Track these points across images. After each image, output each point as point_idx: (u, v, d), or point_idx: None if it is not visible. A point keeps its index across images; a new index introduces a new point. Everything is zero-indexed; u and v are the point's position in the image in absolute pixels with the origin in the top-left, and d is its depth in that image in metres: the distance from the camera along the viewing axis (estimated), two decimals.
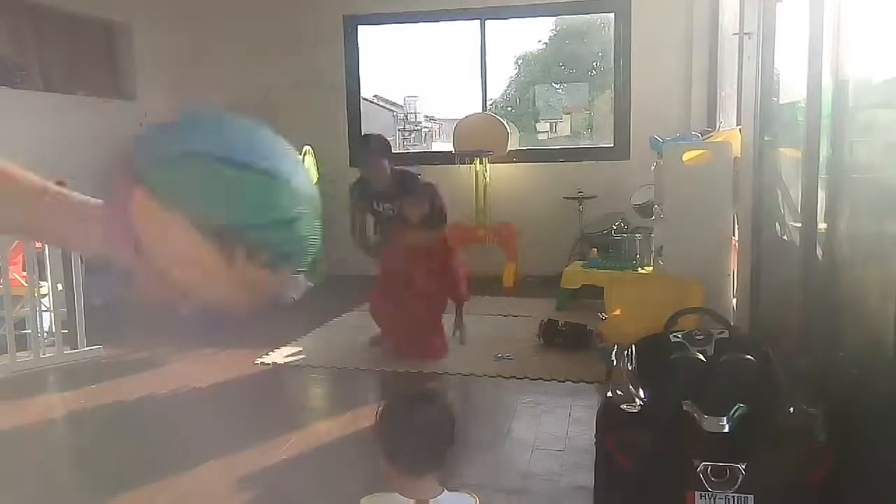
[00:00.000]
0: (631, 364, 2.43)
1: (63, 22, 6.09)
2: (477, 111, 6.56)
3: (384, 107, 9.38)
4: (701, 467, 1.87)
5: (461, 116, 6.49)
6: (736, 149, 3.97)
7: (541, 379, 3.68)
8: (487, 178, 6.26)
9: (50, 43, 5.99)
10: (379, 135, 4.33)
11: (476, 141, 6.24)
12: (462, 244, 6.31)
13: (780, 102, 3.49)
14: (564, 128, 7.57)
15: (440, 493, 1.60)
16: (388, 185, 4.11)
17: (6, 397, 3.61)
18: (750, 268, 3.58)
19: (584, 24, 7.23)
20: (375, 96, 8.35)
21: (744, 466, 1.86)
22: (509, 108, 7.62)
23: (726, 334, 2.57)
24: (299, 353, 4.25)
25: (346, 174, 6.69)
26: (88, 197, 0.85)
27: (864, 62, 2.47)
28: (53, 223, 0.84)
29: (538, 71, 7.88)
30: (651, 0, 6.13)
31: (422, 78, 7.95)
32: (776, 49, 3.40)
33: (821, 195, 2.68)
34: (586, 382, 3.58)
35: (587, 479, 2.30)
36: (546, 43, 7.74)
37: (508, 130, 6.31)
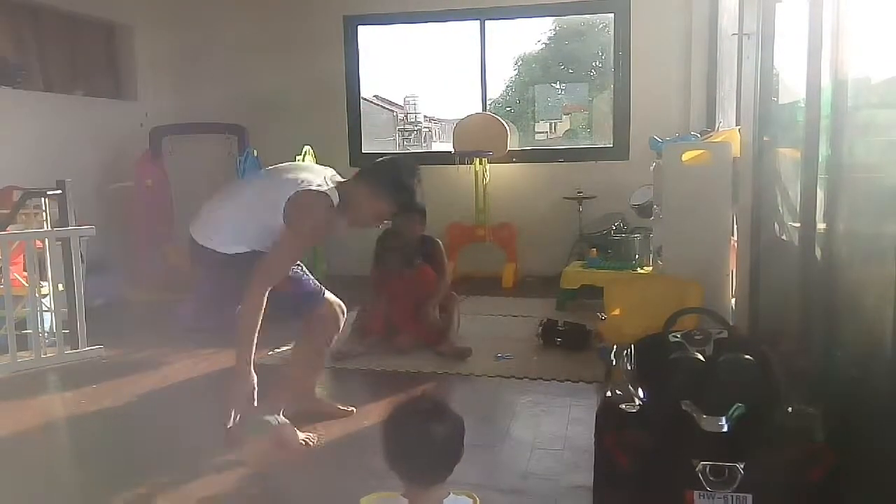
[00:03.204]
0: (630, 364, 2.44)
1: (63, 22, 6.10)
2: (477, 111, 6.56)
3: (384, 107, 9.37)
4: (700, 467, 1.88)
5: (461, 116, 6.50)
6: (735, 149, 3.97)
7: (540, 379, 3.69)
8: (487, 179, 6.27)
9: (50, 43, 6.00)
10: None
11: (476, 141, 6.24)
12: (461, 244, 6.33)
13: (780, 102, 3.50)
14: (564, 128, 7.57)
15: (447, 497, 1.60)
16: (416, 243, 4.45)
17: (7, 397, 3.61)
18: (749, 268, 3.58)
19: (584, 24, 7.23)
20: (375, 96, 8.35)
21: (742, 466, 1.86)
22: (508, 109, 7.62)
23: (725, 334, 2.57)
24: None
25: (347, 174, 6.70)
26: None
27: (863, 62, 2.47)
28: None
29: (537, 71, 7.88)
30: (651, 0, 6.14)
31: (422, 78, 7.93)
32: (775, 49, 3.40)
33: (820, 195, 2.69)
34: (586, 382, 3.59)
35: (586, 478, 2.30)
36: (545, 43, 7.74)
37: (508, 130, 6.32)
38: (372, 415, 3.23)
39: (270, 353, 4.22)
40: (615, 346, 2.73)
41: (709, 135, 4.72)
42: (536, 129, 7.55)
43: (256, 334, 2.58)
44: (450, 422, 1.62)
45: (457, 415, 1.66)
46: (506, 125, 6.33)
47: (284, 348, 4.30)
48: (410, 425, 1.61)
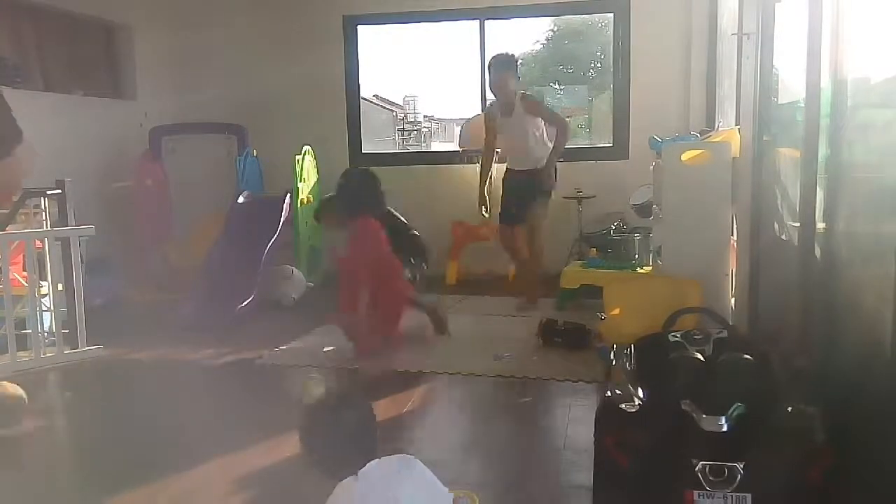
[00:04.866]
0: (630, 364, 2.44)
1: (63, 22, 6.09)
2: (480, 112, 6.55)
3: (384, 107, 9.39)
4: (699, 466, 1.88)
5: (462, 116, 6.49)
6: (735, 149, 3.97)
7: (540, 378, 3.69)
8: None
9: (50, 43, 5.99)
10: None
11: (482, 139, 6.23)
12: (465, 243, 6.32)
13: (779, 102, 3.50)
14: None
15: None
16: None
17: None
18: (748, 267, 3.59)
19: (583, 24, 7.24)
20: (375, 96, 8.36)
21: (742, 466, 1.87)
22: None
23: (725, 334, 2.58)
24: (299, 352, 4.26)
25: None
26: None
27: (863, 62, 2.47)
28: None
29: (537, 71, 7.89)
30: (650, 0, 6.14)
31: (421, 78, 7.95)
32: (775, 49, 3.40)
33: (819, 195, 2.69)
34: (585, 382, 3.59)
35: (586, 478, 2.30)
36: (544, 43, 7.76)
37: None
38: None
39: (269, 352, 4.23)
40: (615, 346, 2.73)
41: (708, 134, 4.72)
42: None
43: None
44: (354, 413, 1.74)
45: (366, 408, 1.78)
46: None
47: (284, 347, 4.31)
48: (316, 419, 1.76)
